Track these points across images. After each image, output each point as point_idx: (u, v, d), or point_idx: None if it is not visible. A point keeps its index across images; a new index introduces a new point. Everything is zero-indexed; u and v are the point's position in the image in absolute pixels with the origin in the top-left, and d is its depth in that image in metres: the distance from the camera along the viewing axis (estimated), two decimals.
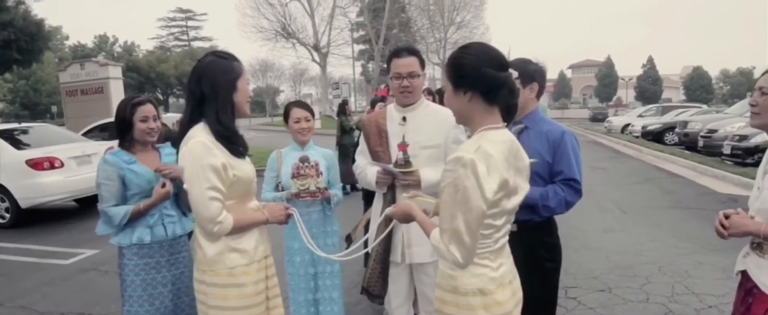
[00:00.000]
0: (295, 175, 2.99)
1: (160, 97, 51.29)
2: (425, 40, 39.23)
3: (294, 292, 3.11)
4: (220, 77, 1.96)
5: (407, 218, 1.86)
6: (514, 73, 1.67)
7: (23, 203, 7.33)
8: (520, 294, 1.78)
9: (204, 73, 1.98)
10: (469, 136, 2.59)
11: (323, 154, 3.12)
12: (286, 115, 3.13)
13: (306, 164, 3.00)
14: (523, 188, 1.70)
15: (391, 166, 2.54)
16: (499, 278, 1.66)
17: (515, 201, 1.67)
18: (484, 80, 1.61)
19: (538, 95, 2.43)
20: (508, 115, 1.68)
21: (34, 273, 5.34)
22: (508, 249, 1.76)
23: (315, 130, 3.19)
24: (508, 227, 1.73)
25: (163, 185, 2.52)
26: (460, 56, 1.66)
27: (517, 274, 1.79)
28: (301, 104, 3.14)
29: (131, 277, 2.53)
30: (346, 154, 8.53)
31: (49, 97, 46.92)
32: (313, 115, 3.12)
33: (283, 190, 3.03)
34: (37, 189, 7.30)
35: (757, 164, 9.24)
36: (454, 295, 1.65)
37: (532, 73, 2.37)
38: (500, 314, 1.64)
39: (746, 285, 1.89)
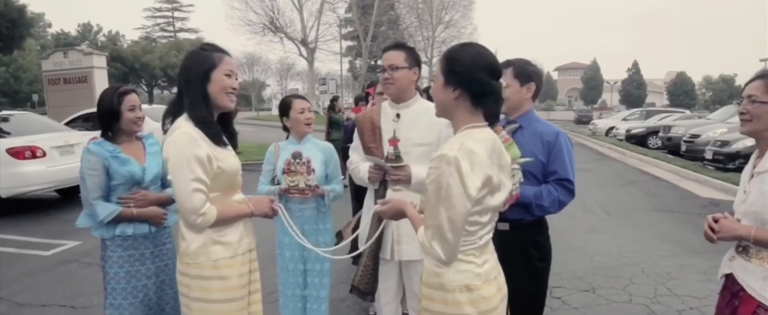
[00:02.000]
0: (286, 171, 2.96)
1: (145, 88, 50.70)
2: (413, 38, 39.23)
3: (283, 286, 3.09)
4: (192, 69, 1.98)
5: (398, 215, 1.86)
6: (504, 83, 1.68)
7: (3, 193, 7.18)
8: (505, 289, 1.78)
9: (182, 65, 2.01)
10: None
11: (321, 149, 3.07)
12: (285, 109, 3.06)
13: (297, 160, 2.96)
14: (507, 186, 1.72)
15: (382, 161, 2.54)
16: (485, 274, 1.67)
17: (499, 198, 1.68)
18: (475, 83, 1.63)
19: (535, 96, 2.44)
20: (490, 120, 1.69)
21: (13, 264, 5.24)
22: (492, 246, 1.77)
23: None
24: (493, 225, 1.74)
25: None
26: (458, 52, 1.68)
27: (502, 270, 1.80)
28: (299, 96, 3.11)
29: (115, 269, 2.49)
30: (335, 149, 8.50)
31: (31, 85, 46.09)
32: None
33: (278, 183, 3.01)
34: (17, 178, 7.16)
35: (738, 170, 9.38)
36: (441, 291, 1.66)
37: (530, 73, 2.39)
38: (487, 309, 1.65)
39: (732, 288, 1.92)
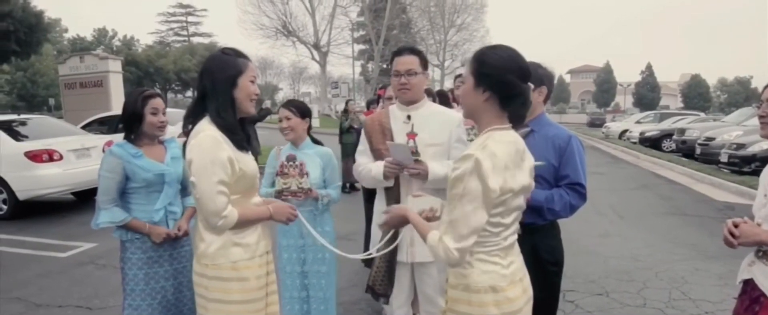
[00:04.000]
0: (279, 173, 3.00)
1: (159, 92, 51.13)
2: (425, 41, 39.28)
3: (283, 288, 3.11)
4: (218, 73, 1.98)
5: (401, 222, 1.87)
6: (532, 86, 1.69)
7: (21, 195, 7.30)
8: (530, 292, 1.79)
9: (206, 69, 2.01)
10: (470, 139, 2.60)
11: (319, 153, 3.08)
12: None
13: (291, 163, 3.00)
14: (530, 187, 1.73)
15: (406, 148, 2.52)
16: (510, 275, 1.68)
17: (521, 199, 1.69)
18: (506, 85, 1.63)
19: (546, 99, 2.43)
20: (515, 123, 1.70)
21: (30, 265, 5.32)
22: (517, 247, 1.78)
23: (313, 129, 3.18)
24: (517, 226, 1.75)
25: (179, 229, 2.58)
26: (489, 54, 1.67)
27: (527, 272, 1.80)
28: (288, 103, 3.11)
29: (134, 270, 2.52)
30: (346, 153, 8.55)
31: (47, 89, 46.77)
32: (301, 114, 3.04)
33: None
34: (35, 181, 7.26)
35: (754, 173, 9.17)
36: (466, 292, 1.67)
37: (542, 76, 2.38)
38: (511, 311, 1.66)
39: (752, 294, 1.89)
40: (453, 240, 1.59)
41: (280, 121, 3.03)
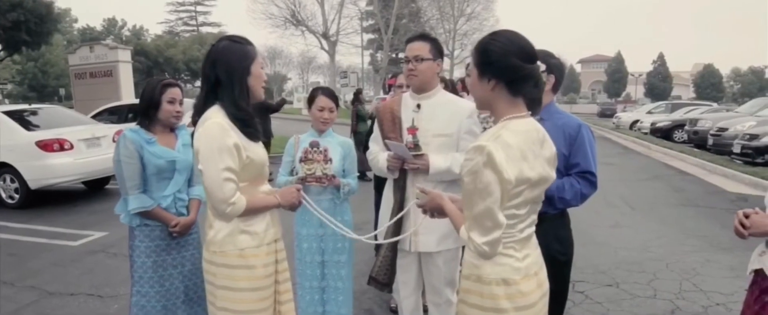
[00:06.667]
0: (303, 160, 3.00)
1: (178, 82, 51.35)
2: (435, 30, 39.00)
3: (301, 278, 3.12)
4: (234, 62, 1.97)
5: (438, 210, 1.84)
6: (542, 66, 1.64)
7: (32, 184, 7.35)
8: (546, 286, 1.74)
9: (218, 58, 1.99)
10: (484, 128, 2.58)
11: (340, 142, 3.09)
12: (311, 100, 3.08)
13: (315, 149, 3.00)
14: (550, 177, 1.68)
15: (403, 146, 2.53)
16: (525, 269, 1.63)
17: (538, 190, 1.65)
18: (510, 70, 1.58)
19: (555, 89, 2.41)
20: (532, 107, 1.65)
21: (42, 254, 5.38)
22: (535, 240, 1.73)
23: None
24: (535, 218, 1.71)
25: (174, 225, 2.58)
26: (488, 42, 1.63)
27: (544, 265, 1.76)
28: (327, 92, 3.08)
29: (142, 258, 2.54)
30: (361, 142, 8.55)
31: (58, 79, 47.14)
32: (337, 104, 3.08)
33: (296, 174, 3.04)
34: (46, 170, 7.32)
35: (767, 164, 9.02)
36: (478, 284, 1.63)
37: (551, 65, 2.35)
38: (524, 305, 1.62)
39: (762, 284, 1.88)
40: (479, 235, 1.56)
41: (321, 110, 3.01)
